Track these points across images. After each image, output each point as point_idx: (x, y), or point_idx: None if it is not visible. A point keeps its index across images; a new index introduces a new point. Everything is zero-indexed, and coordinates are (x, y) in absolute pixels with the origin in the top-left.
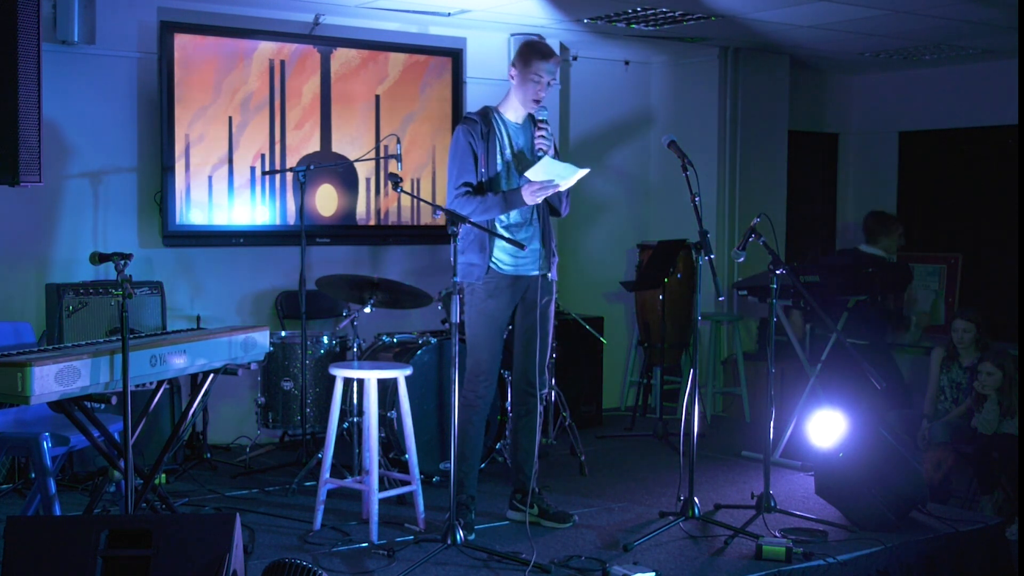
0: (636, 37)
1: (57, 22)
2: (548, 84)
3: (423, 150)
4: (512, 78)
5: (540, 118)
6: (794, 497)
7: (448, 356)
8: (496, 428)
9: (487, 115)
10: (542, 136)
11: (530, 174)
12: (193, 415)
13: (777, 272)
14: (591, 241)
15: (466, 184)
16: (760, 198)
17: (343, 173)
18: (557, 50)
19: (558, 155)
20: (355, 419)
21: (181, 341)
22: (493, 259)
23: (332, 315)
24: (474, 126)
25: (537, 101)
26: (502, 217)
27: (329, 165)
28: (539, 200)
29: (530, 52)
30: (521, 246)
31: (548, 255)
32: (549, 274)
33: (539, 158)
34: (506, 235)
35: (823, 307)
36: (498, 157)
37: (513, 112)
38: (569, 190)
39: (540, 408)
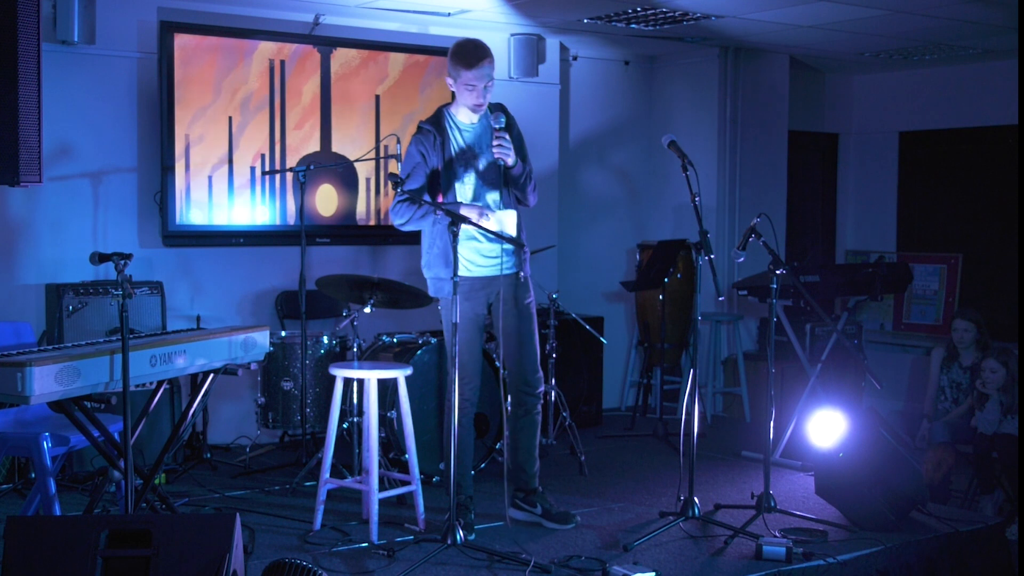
0: (636, 37)
1: (57, 22)
2: (485, 88)
3: None
4: (451, 87)
5: (496, 126)
6: (794, 497)
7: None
8: (496, 428)
9: (439, 120)
10: (499, 146)
11: (490, 221)
12: (193, 415)
13: (777, 272)
14: (591, 241)
15: (409, 191)
16: (760, 198)
17: (343, 173)
18: (556, 50)
19: (522, 157)
20: (355, 419)
21: (181, 341)
22: (461, 266)
23: (332, 315)
24: (426, 136)
25: (479, 106)
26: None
27: (329, 165)
28: (476, 220)
29: (455, 61)
30: (521, 244)
31: (516, 251)
32: (521, 272)
33: (499, 164)
34: (506, 235)
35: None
36: (453, 162)
37: (464, 114)
38: (536, 180)
39: (539, 408)
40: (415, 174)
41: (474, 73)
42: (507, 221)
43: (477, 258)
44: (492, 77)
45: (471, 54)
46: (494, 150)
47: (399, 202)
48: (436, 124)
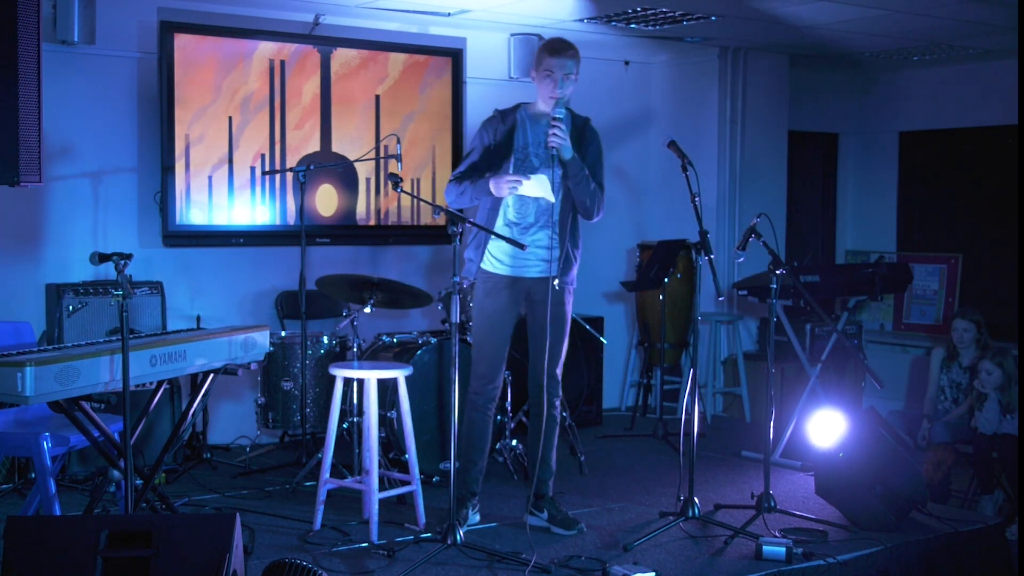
0: (636, 37)
1: (57, 22)
2: (564, 79)
3: (423, 150)
4: (533, 79)
5: (555, 116)
6: (794, 497)
7: (448, 356)
8: (496, 428)
9: (512, 111)
10: (555, 135)
11: (524, 186)
12: (193, 415)
13: (777, 272)
14: (591, 241)
15: (459, 174)
16: (760, 198)
17: (343, 173)
18: None
19: (593, 175)
20: (355, 419)
21: (181, 341)
22: (487, 259)
23: (332, 315)
24: (492, 122)
25: (553, 98)
26: (514, 217)
27: (329, 165)
28: (504, 193)
29: (541, 49)
30: (521, 246)
31: (563, 259)
32: (558, 280)
33: (550, 154)
34: (505, 235)
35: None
36: (515, 152)
37: (538, 110)
38: (603, 199)
39: (555, 414)
40: (470, 157)
41: (555, 61)
42: (543, 184)
43: (503, 256)
44: (572, 73)
45: (556, 44)
46: (549, 138)
47: (449, 183)
48: (506, 113)
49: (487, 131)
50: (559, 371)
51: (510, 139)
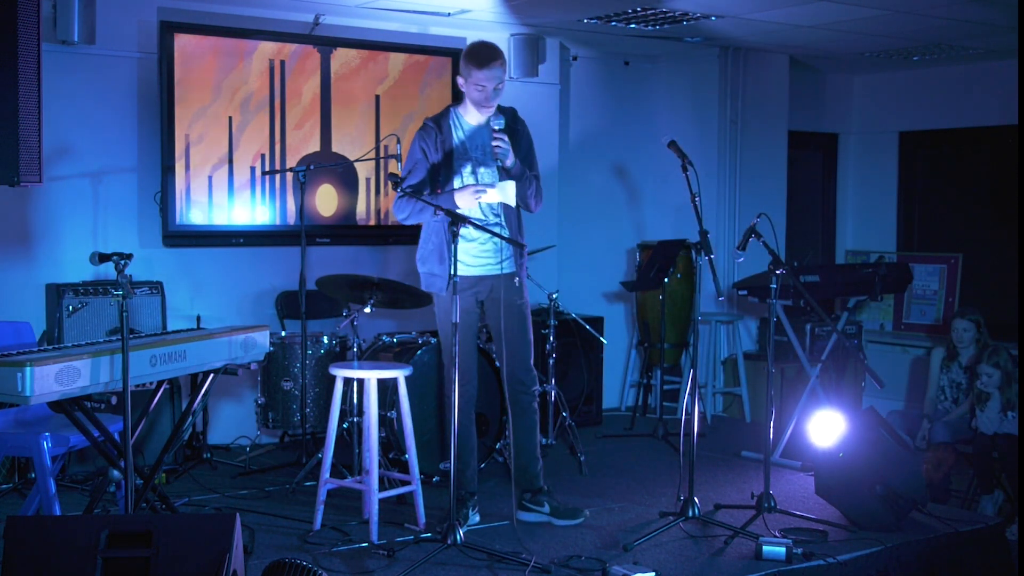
0: (636, 37)
1: (57, 22)
2: (495, 89)
3: None
4: (462, 87)
5: (495, 127)
6: (794, 497)
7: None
8: (496, 428)
9: (444, 118)
10: (497, 146)
11: (488, 194)
12: (193, 415)
13: (777, 272)
14: (591, 241)
15: (409, 187)
16: (760, 198)
17: (343, 173)
18: (556, 50)
19: (528, 165)
20: (355, 419)
21: (181, 341)
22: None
23: (332, 315)
24: (428, 133)
25: (488, 109)
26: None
27: (329, 165)
28: (471, 204)
29: (467, 60)
30: (521, 245)
31: (516, 254)
32: (517, 277)
33: (496, 165)
34: (505, 235)
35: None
36: (454, 160)
37: (471, 114)
38: (541, 188)
39: (534, 407)
40: (416, 170)
41: (484, 73)
42: (507, 190)
43: (467, 257)
44: (502, 80)
45: (483, 55)
46: (494, 150)
47: (399, 198)
48: (439, 122)
49: (426, 143)
50: (531, 361)
51: (450, 145)
